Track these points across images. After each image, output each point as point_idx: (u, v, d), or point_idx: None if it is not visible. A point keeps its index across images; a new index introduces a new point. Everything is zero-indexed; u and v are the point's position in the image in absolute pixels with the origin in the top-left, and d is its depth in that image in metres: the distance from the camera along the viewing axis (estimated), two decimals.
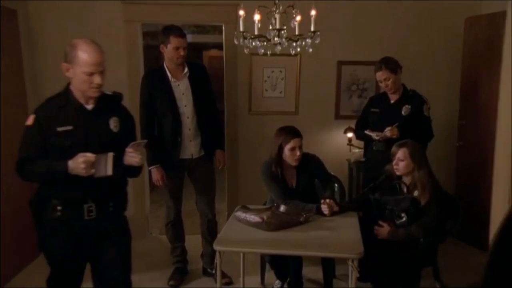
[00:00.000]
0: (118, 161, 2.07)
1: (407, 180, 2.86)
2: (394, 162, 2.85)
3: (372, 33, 4.15)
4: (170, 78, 3.20)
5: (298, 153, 2.90)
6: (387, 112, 3.31)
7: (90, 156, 1.95)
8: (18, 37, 3.65)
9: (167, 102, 3.17)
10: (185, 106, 3.21)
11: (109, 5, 3.98)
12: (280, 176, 2.95)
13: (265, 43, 2.60)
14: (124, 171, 2.16)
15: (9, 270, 3.39)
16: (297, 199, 2.89)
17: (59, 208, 2.08)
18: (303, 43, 2.59)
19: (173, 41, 3.10)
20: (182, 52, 3.14)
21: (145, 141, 2.21)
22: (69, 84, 2.10)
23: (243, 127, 4.28)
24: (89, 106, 2.11)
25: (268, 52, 2.67)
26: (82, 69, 1.99)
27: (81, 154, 1.95)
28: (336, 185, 3.39)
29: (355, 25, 4.15)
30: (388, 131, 3.15)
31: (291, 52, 2.62)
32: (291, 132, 2.92)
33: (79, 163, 1.94)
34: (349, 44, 4.18)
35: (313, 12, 2.53)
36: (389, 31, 4.15)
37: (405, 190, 2.85)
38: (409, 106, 3.25)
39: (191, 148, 3.25)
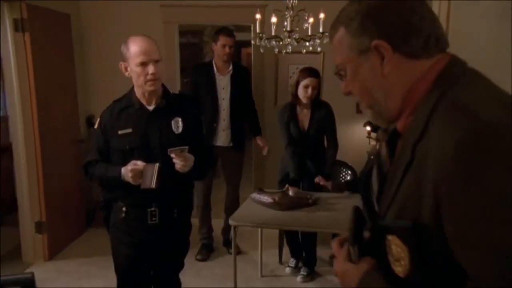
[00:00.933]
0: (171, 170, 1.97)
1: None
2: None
3: None
4: (215, 72, 3.65)
5: (309, 91, 3.11)
6: None
7: (139, 165, 1.92)
8: (71, 38, 4.16)
9: (209, 92, 3.62)
10: (223, 99, 3.65)
11: (149, 8, 4.42)
12: (293, 116, 3.23)
13: (280, 43, 2.92)
14: (182, 177, 2.03)
15: (58, 244, 3.92)
16: (307, 144, 3.23)
17: (124, 209, 2.08)
18: (314, 42, 2.89)
19: (222, 39, 3.56)
20: (228, 50, 3.58)
21: (187, 147, 2.01)
22: (133, 86, 2.09)
23: (269, 119, 4.60)
24: (151, 107, 2.06)
25: (283, 51, 2.98)
26: (134, 61, 1.96)
27: (132, 162, 1.94)
28: (349, 172, 3.65)
29: None
30: None
31: (302, 51, 2.92)
32: (309, 71, 3.15)
33: (127, 171, 1.93)
34: None
35: (321, 15, 2.81)
36: None
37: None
38: None
39: (223, 137, 3.69)
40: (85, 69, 4.49)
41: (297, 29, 2.84)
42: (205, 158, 2.19)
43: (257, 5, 4.20)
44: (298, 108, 3.27)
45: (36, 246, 3.70)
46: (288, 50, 2.87)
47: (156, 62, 1.98)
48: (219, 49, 3.61)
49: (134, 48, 1.96)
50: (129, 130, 2.01)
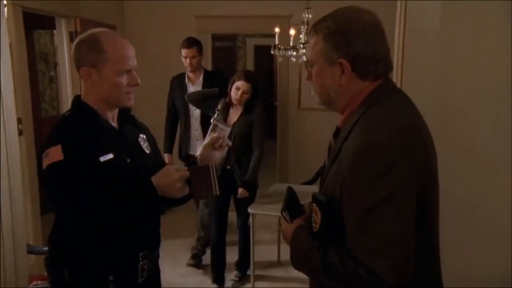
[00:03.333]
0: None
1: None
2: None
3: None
4: (186, 82, 3.70)
5: (239, 94, 3.10)
6: None
7: (183, 169, 1.50)
8: None
9: (181, 103, 3.63)
10: (195, 109, 3.59)
11: (184, 19, 4.89)
12: (224, 112, 3.17)
13: (296, 53, 3.29)
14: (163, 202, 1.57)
15: None
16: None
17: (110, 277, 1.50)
18: None
19: (182, 52, 3.60)
20: (188, 61, 3.59)
21: (229, 128, 1.85)
22: (77, 97, 1.60)
23: (293, 120, 4.98)
24: (115, 124, 1.60)
25: (299, 60, 3.36)
26: (115, 67, 1.50)
27: (172, 167, 1.53)
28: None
29: None
30: None
31: None
32: (245, 75, 3.16)
33: (172, 181, 1.45)
34: None
35: None
36: None
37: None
38: None
39: (196, 147, 3.59)
40: None
41: None
42: None
43: (283, 16, 4.59)
44: (232, 107, 3.25)
45: None
46: (303, 59, 3.23)
47: (135, 68, 1.55)
48: (183, 60, 3.64)
49: (116, 50, 1.49)
50: (111, 156, 1.48)
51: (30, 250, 2.46)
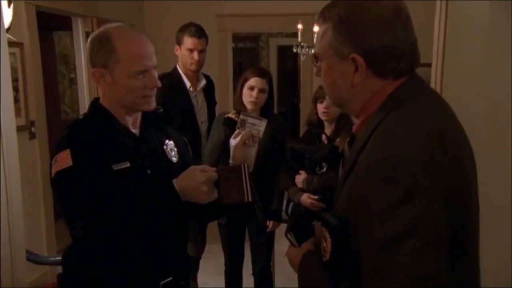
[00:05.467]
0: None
1: (329, 129, 2.54)
2: (323, 106, 2.47)
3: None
4: (188, 87, 2.73)
5: (254, 94, 2.41)
6: None
7: (210, 170, 1.31)
8: None
9: (186, 116, 2.66)
10: (202, 123, 2.76)
11: (205, 18, 4.73)
12: (235, 124, 2.24)
13: None
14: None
15: None
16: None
17: None
18: None
19: (187, 42, 2.70)
20: (197, 56, 2.69)
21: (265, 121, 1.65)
22: (96, 101, 1.47)
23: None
24: (135, 130, 1.43)
25: None
26: (129, 68, 1.33)
27: (198, 168, 1.32)
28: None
29: None
30: None
31: None
32: (256, 68, 2.56)
33: (198, 183, 1.26)
34: None
35: None
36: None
37: (326, 141, 2.53)
38: None
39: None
40: None
41: None
42: None
43: (306, 13, 4.39)
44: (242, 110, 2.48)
45: None
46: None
47: (155, 68, 1.39)
48: (185, 55, 2.69)
49: (128, 49, 1.32)
50: (127, 165, 1.32)
51: (31, 259, 2.32)
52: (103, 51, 1.32)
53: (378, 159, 0.85)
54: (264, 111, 2.45)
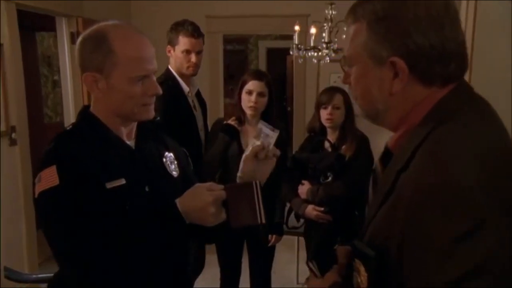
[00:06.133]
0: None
1: (333, 136, 2.43)
2: (327, 112, 2.38)
3: None
4: (187, 92, 2.49)
5: (253, 98, 2.24)
6: None
7: (217, 189, 1.16)
8: None
9: (187, 124, 2.42)
10: (201, 130, 2.54)
11: (195, 19, 4.55)
12: (235, 132, 2.28)
13: (318, 53, 2.97)
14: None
15: None
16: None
17: None
18: None
19: (183, 42, 2.42)
20: (194, 58, 2.43)
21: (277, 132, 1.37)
22: (85, 108, 1.31)
23: None
24: (130, 142, 1.27)
25: (322, 61, 3.04)
26: (128, 73, 1.18)
27: (207, 186, 1.16)
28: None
29: None
30: None
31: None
32: (254, 71, 2.43)
33: (205, 204, 1.12)
34: None
35: None
36: None
37: (329, 148, 2.42)
38: None
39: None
40: None
41: (336, 39, 2.89)
42: None
43: (300, 15, 4.28)
44: (242, 124, 2.35)
45: None
46: (326, 61, 2.91)
47: (154, 73, 1.25)
48: (181, 57, 2.41)
49: (128, 51, 1.17)
50: (122, 182, 1.17)
51: (11, 277, 2.15)
52: (98, 52, 1.15)
53: (431, 183, 0.71)
54: (265, 116, 2.26)
